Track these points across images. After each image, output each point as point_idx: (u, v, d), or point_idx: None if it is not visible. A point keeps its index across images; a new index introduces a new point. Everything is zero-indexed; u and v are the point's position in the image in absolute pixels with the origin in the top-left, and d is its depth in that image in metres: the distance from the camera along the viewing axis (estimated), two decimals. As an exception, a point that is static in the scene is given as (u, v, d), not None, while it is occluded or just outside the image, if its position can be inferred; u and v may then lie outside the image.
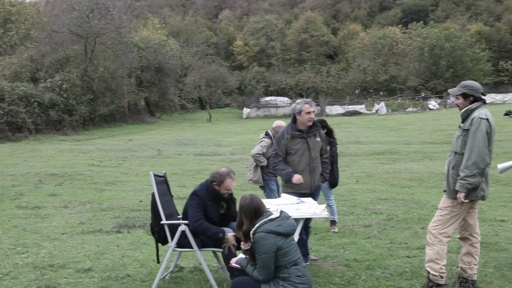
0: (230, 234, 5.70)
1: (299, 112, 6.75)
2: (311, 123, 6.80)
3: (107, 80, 44.49)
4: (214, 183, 5.92)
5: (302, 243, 6.49)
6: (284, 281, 4.64)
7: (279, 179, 7.76)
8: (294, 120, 6.87)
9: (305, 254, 6.62)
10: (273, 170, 7.09)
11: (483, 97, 5.69)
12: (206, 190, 5.98)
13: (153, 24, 64.94)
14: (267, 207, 4.95)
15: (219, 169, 6.01)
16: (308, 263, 6.68)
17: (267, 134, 8.70)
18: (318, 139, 6.93)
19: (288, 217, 4.83)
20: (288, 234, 4.73)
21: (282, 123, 8.26)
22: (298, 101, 7.00)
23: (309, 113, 6.73)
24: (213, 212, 5.97)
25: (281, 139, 6.84)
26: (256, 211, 4.77)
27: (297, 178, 6.65)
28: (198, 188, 6.04)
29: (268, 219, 4.69)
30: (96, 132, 39.36)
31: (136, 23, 58.30)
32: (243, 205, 4.84)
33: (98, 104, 42.70)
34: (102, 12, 45.06)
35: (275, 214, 4.76)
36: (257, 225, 4.68)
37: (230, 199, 6.15)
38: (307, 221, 6.69)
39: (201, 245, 5.96)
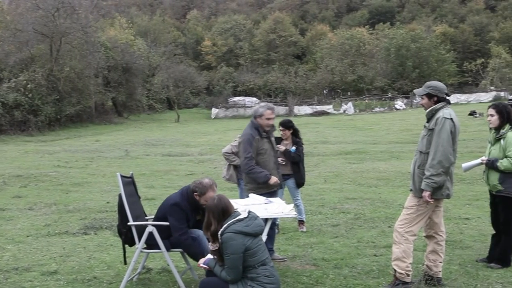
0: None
1: (260, 116, 6.87)
2: (269, 128, 6.97)
3: (74, 80, 43.82)
4: (196, 193, 5.84)
5: (270, 239, 6.62)
6: (252, 281, 4.64)
7: None
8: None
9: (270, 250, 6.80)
10: (247, 174, 6.92)
11: (447, 97, 5.79)
12: (187, 200, 5.89)
13: (120, 23, 64.19)
14: (235, 208, 4.95)
15: (202, 180, 5.90)
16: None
17: None
18: (273, 138, 7.23)
19: (256, 217, 4.83)
20: (256, 234, 4.73)
21: None
22: (262, 104, 7.09)
23: (269, 119, 6.87)
24: (191, 221, 5.97)
25: (252, 141, 6.84)
26: (224, 211, 4.76)
27: (274, 180, 6.79)
28: (179, 199, 5.92)
29: (236, 220, 4.69)
30: (62, 132, 38.77)
31: (103, 23, 57.56)
32: (210, 206, 4.82)
33: (64, 105, 42.05)
34: (68, 11, 44.33)
35: (243, 215, 4.76)
36: (225, 225, 4.67)
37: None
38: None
39: (169, 246, 5.94)
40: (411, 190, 5.88)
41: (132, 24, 69.76)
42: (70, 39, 43.70)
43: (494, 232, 6.78)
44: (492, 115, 6.57)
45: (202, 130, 38.18)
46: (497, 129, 6.55)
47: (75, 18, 44.40)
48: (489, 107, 6.71)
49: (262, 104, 7.10)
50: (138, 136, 33.69)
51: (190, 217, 5.92)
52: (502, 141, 6.46)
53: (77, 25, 43.78)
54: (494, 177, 6.49)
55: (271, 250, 6.97)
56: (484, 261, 6.65)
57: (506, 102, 7.65)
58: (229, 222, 4.67)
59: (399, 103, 56.38)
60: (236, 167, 8.71)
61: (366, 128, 33.19)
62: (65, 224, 9.49)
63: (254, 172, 6.82)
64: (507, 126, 6.47)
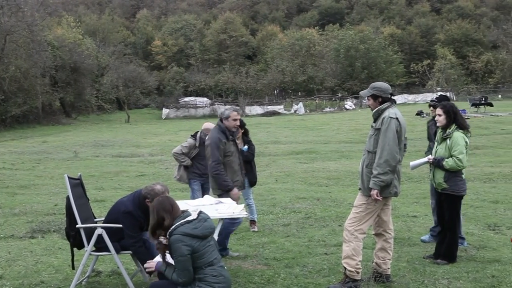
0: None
1: (227, 118, 7.08)
2: (235, 129, 7.30)
3: (19, 79, 42.76)
4: (147, 200, 5.68)
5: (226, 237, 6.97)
6: (200, 282, 4.62)
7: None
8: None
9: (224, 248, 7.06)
10: (213, 177, 6.98)
11: (391, 97, 5.92)
12: (139, 207, 5.76)
13: (68, 22, 62.94)
14: (186, 208, 4.91)
15: (155, 187, 5.72)
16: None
17: (193, 135, 8.76)
18: (238, 140, 7.58)
19: (206, 219, 4.77)
20: (205, 237, 4.67)
21: (211, 124, 8.27)
22: (227, 107, 7.40)
23: (235, 120, 7.14)
24: (144, 227, 5.87)
25: (219, 145, 6.96)
26: (171, 204, 4.72)
27: (235, 193, 6.94)
28: (131, 207, 5.77)
29: (185, 221, 4.64)
30: (7, 134, 37.78)
31: (50, 21, 56.35)
32: (158, 202, 4.74)
33: (10, 105, 41.05)
34: (13, 9, 43.21)
35: (193, 216, 4.71)
36: (173, 226, 4.62)
37: None
38: None
39: (119, 249, 5.85)
40: (360, 189, 5.97)
41: (80, 23, 68.50)
42: (15, 37, 42.66)
43: (440, 229, 6.95)
44: (439, 115, 6.73)
45: (153, 131, 37.81)
46: (444, 128, 6.72)
47: (21, 16, 43.33)
48: (430, 105, 6.88)
49: (227, 107, 7.48)
50: (87, 137, 33.10)
51: (143, 224, 5.82)
52: (448, 140, 6.63)
53: (23, 23, 42.74)
54: (440, 175, 6.66)
55: (225, 249, 7.11)
56: (431, 258, 6.80)
57: (434, 99, 7.89)
58: (177, 224, 4.62)
59: (349, 103, 57.21)
60: (186, 168, 8.73)
61: (316, 128, 33.52)
62: (11, 228, 9.23)
63: (219, 177, 6.92)
64: (454, 126, 6.64)
